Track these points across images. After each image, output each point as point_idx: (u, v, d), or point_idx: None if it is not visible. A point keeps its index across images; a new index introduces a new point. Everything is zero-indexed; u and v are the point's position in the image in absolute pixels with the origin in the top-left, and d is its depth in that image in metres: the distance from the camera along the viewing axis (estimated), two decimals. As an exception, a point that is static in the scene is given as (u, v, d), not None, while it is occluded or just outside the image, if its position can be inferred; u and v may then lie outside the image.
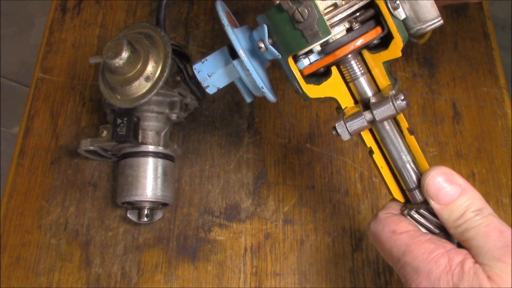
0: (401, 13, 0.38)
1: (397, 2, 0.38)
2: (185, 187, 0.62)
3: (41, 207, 0.61)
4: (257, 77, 0.41)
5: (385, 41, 0.40)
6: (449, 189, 0.38)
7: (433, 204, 0.39)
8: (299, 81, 0.40)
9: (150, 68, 0.52)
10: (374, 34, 0.39)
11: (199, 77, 0.44)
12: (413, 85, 0.67)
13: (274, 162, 0.63)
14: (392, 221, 0.40)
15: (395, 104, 0.38)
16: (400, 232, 0.39)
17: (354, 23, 0.39)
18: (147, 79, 0.52)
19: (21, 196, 0.62)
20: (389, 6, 0.38)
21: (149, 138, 0.57)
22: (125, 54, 0.50)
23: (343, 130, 0.40)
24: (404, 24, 0.39)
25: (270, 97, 0.43)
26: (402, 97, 0.38)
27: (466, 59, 0.69)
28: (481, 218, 0.37)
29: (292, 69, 0.40)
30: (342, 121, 0.40)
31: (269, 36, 0.39)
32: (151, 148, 0.57)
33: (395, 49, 0.39)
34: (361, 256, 0.59)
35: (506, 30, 1.63)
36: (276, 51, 0.39)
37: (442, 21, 0.38)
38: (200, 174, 0.63)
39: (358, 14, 0.39)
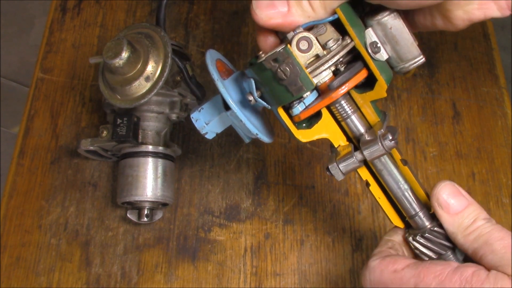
0: (383, 55, 0.39)
1: (378, 45, 0.38)
2: (185, 187, 0.62)
3: (41, 207, 0.61)
4: (250, 126, 0.42)
5: (370, 80, 0.40)
6: (458, 199, 0.40)
7: (443, 214, 0.39)
8: (291, 129, 0.41)
9: (150, 68, 0.52)
10: (362, 76, 0.39)
11: (197, 125, 0.46)
12: (413, 85, 0.67)
13: (274, 162, 0.63)
14: (388, 262, 0.40)
15: (384, 144, 0.39)
16: (402, 268, 0.39)
17: (338, 65, 0.40)
18: (147, 79, 0.52)
19: (21, 196, 0.62)
20: (370, 51, 0.39)
21: (149, 138, 0.57)
22: (125, 54, 0.50)
23: (337, 171, 0.41)
24: (388, 63, 0.40)
25: (266, 140, 0.44)
26: (390, 137, 0.38)
27: (466, 59, 0.69)
28: (492, 225, 0.39)
29: (283, 118, 0.41)
30: (335, 163, 0.41)
31: (257, 89, 0.40)
32: (151, 148, 0.57)
33: (380, 90, 0.40)
34: (361, 256, 0.58)
35: (506, 30, 1.63)
36: (265, 103, 0.40)
37: (424, 59, 0.40)
38: (200, 174, 0.63)
39: (341, 58, 0.40)
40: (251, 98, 0.40)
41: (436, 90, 0.67)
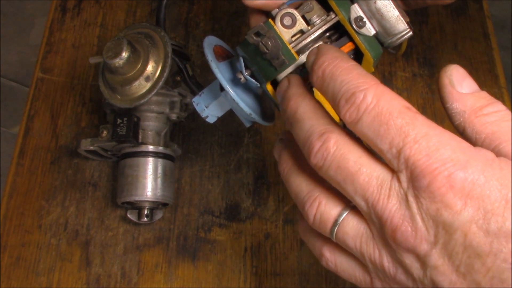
0: (370, 30, 0.39)
1: (364, 19, 0.39)
2: (185, 187, 0.62)
3: (41, 207, 0.61)
4: (243, 105, 0.42)
5: (360, 57, 0.41)
6: (471, 81, 0.33)
7: (453, 91, 0.32)
8: (277, 104, 0.41)
9: (150, 68, 0.52)
10: (348, 48, 0.40)
11: (197, 109, 0.46)
12: (413, 85, 0.67)
13: (274, 162, 0.63)
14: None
15: None
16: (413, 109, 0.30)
17: (328, 43, 0.40)
18: (147, 79, 0.52)
19: (21, 196, 0.62)
20: (354, 26, 0.39)
21: (149, 138, 0.57)
22: (125, 54, 0.50)
23: None
24: (377, 38, 0.40)
25: (261, 121, 0.44)
26: None
27: (466, 59, 0.69)
28: None
29: (271, 92, 0.41)
30: None
31: (247, 67, 0.41)
32: (151, 148, 0.57)
33: (367, 65, 0.40)
34: (361, 256, 0.58)
35: (506, 30, 1.63)
36: (254, 81, 0.41)
37: (411, 32, 0.39)
38: (200, 174, 0.63)
39: (329, 34, 0.40)
40: (241, 76, 0.41)
41: (436, 90, 0.67)
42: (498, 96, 0.66)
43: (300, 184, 0.35)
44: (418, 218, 0.28)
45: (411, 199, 0.28)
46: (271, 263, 0.58)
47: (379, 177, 0.30)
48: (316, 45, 0.39)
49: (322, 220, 0.33)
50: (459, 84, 0.32)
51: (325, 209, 0.33)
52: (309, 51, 0.38)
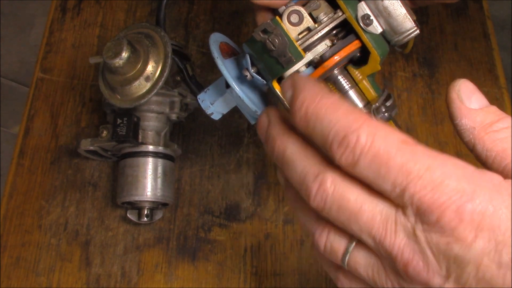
0: (377, 28, 0.39)
1: (371, 17, 0.39)
2: (185, 187, 0.62)
3: (41, 207, 0.61)
4: (249, 103, 0.42)
5: (366, 55, 0.41)
6: (480, 96, 0.33)
7: (462, 107, 0.32)
8: (284, 102, 0.41)
9: (150, 68, 0.52)
10: (354, 46, 0.40)
11: (203, 105, 0.46)
12: (413, 85, 0.67)
13: (274, 162, 0.63)
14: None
15: (377, 118, 0.40)
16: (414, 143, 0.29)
17: (335, 41, 0.40)
18: (147, 79, 0.52)
19: (21, 196, 0.62)
20: (361, 24, 0.39)
21: (149, 138, 0.57)
22: (125, 54, 0.50)
23: None
24: (384, 36, 0.40)
25: None
26: (384, 110, 0.39)
27: (466, 59, 0.69)
28: None
29: (277, 89, 0.41)
30: None
31: (253, 64, 0.41)
32: (151, 148, 0.57)
33: (374, 63, 0.40)
34: (361, 256, 0.58)
35: (506, 30, 1.63)
36: (260, 78, 0.41)
37: (418, 30, 0.39)
38: (200, 174, 0.63)
39: (336, 31, 0.40)
40: (247, 73, 0.41)
41: (436, 90, 0.67)
42: (498, 96, 0.66)
43: (307, 214, 0.34)
44: (428, 252, 0.28)
45: (419, 233, 0.28)
46: (271, 263, 0.58)
47: (383, 212, 0.29)
48: (289, 75, 0.38)
49: (333, 250, 0.32)
50: (467, 99, 0.32)
51: (334, 238, 0.32)
52: (283, 82, 0.36)
